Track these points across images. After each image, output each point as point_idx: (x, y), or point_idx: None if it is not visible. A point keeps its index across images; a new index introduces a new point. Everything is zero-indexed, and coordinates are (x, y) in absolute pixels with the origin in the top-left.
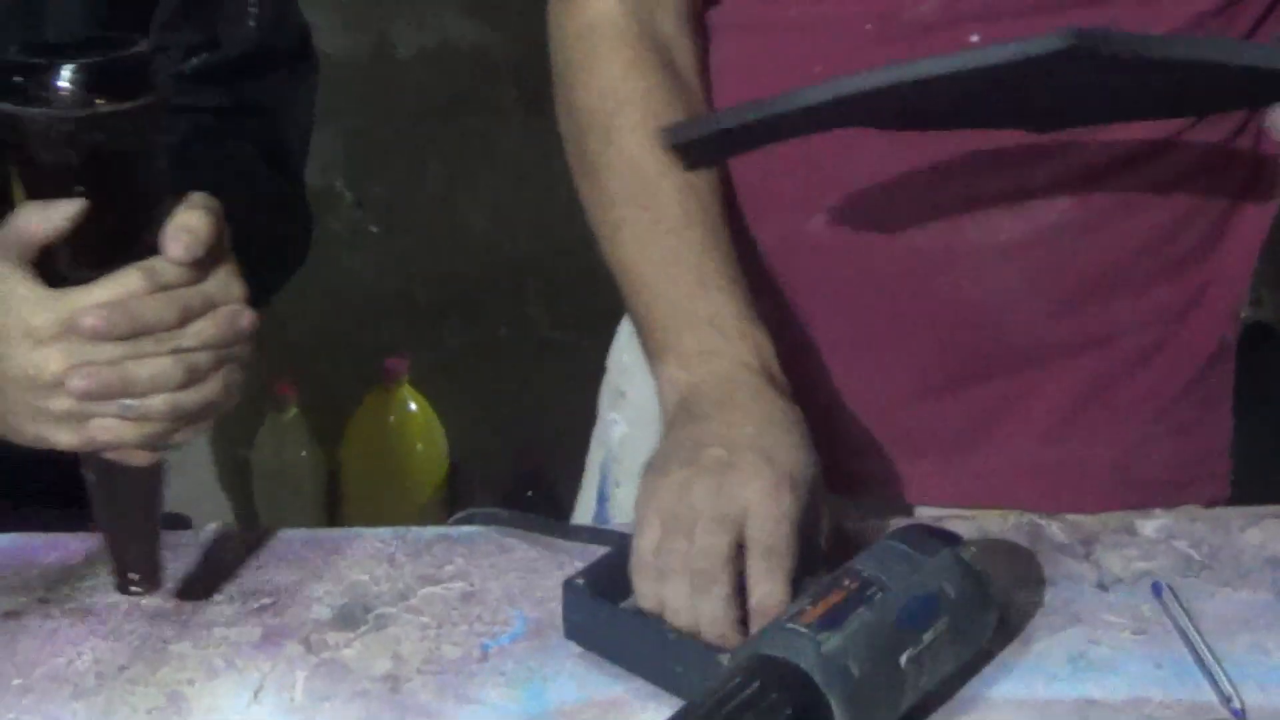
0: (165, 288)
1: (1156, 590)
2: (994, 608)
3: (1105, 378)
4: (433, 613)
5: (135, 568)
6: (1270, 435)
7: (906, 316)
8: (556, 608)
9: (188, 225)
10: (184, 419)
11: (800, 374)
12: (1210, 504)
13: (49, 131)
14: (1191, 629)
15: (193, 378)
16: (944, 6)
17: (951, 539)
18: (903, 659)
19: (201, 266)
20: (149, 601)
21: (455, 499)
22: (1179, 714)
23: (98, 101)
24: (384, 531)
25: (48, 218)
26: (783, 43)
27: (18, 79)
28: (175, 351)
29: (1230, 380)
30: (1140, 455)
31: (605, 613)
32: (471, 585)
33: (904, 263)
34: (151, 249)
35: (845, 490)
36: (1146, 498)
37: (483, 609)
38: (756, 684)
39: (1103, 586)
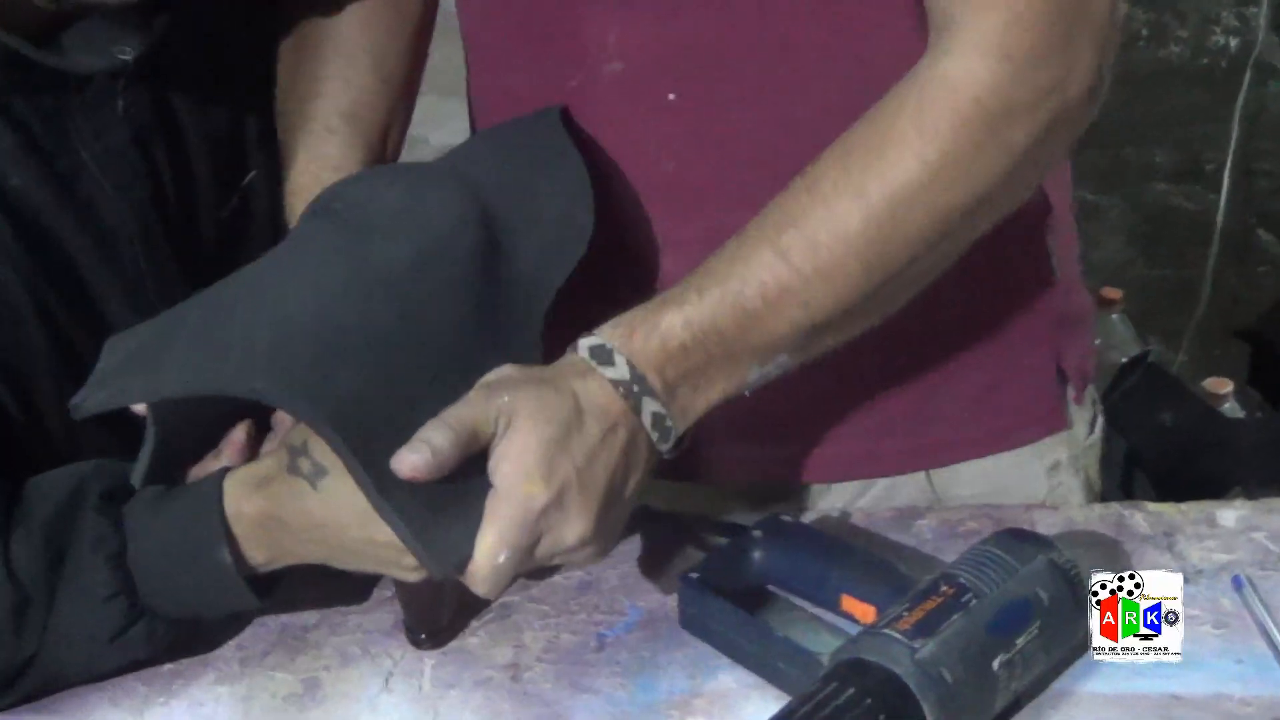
0: None
1: (1237, 584)
2: (1086, 610)
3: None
4: (552, 602)
5: (424, 629)
6: None
7: None
8: (669, 599)
9: None
10: None
11: None
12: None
13: None
14: (1271, 625)
15: None
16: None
17: (1045, 544)
18: (995, 663)
19: None
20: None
21: None
22: (1259, 710)
23: None
24: None
25: None
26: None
27: None
28: None
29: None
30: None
31: (717, 607)
32: (589, 575)
33: None
34: None
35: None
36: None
37: (599, 599)
38: (852, 690)
39: (1184, 579)
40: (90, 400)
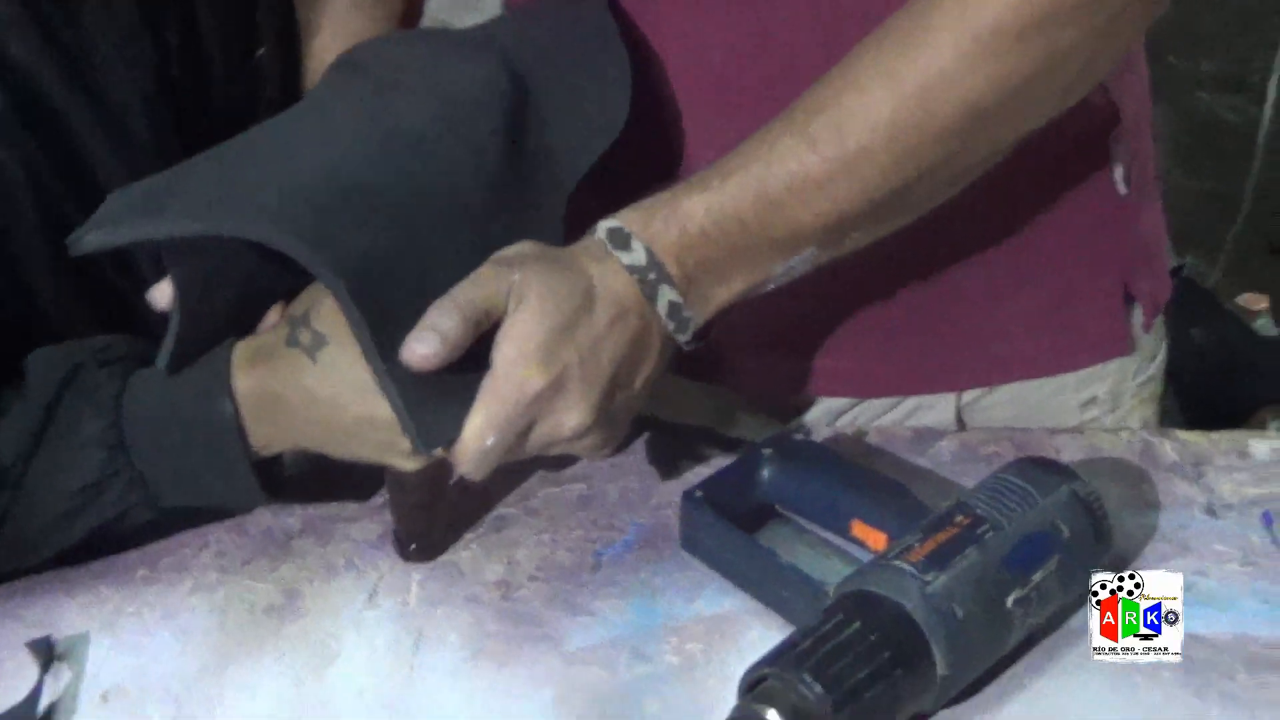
0: None
1: (1267, 520)
2: (1108, 545)
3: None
4: (549, 515)
5: (414, 539)
6: None
7: None
8: (671, 515)
9: None
10: None
11: None
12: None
13: None
14: None
15: None
16: None
17: (1068, 474)
18: (1009, 600)
19: None
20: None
21: None
22: None
23: None
24: None
25: None
26: None
27: None
28: None
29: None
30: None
31: (720, 528)
32: (590, 489)
33: None
34: None
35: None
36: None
37: (598, 514)
38: (858, 624)
39: (1212, 512)
40: (86, 239)
